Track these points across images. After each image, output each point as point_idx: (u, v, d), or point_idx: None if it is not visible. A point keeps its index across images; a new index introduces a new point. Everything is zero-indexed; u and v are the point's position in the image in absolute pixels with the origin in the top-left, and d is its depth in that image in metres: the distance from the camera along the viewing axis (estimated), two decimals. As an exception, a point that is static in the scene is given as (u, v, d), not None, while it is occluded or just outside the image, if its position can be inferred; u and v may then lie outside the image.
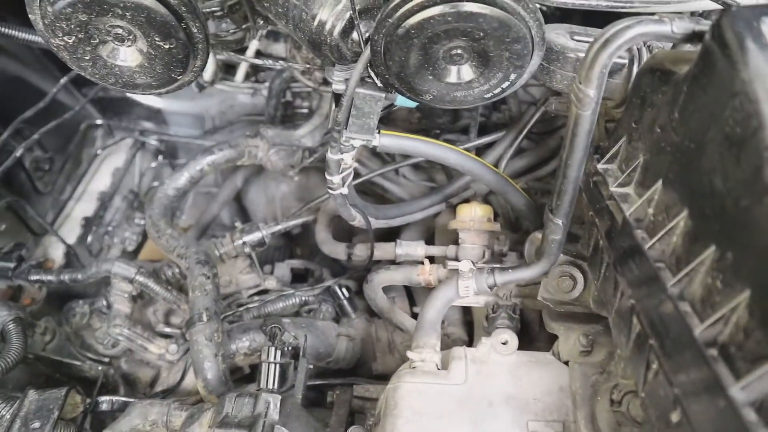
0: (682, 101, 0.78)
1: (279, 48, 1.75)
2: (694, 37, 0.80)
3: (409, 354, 1.06)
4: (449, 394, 0.98)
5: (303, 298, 1.64)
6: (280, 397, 1.11)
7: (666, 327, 0.73)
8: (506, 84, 0.97)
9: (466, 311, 1.63)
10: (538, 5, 0.93)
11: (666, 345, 0.73)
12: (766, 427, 0.55)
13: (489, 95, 0.99)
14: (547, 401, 0.98)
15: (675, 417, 0.72)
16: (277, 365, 1.17)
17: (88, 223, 1.88)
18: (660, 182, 0.82)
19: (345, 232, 1.96)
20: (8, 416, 1.14)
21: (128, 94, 1.99)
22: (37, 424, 1.13)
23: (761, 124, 0.61)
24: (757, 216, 0.60)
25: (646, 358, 0.81)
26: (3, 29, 1.50)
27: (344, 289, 1.62)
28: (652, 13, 0.86)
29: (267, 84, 1.86)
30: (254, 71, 1.88)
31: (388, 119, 1.82)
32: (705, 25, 0.79)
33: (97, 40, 0.93)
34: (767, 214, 0.59)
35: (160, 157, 2.12)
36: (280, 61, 1.50)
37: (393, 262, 1.51)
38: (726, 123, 0.67)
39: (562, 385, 1.00)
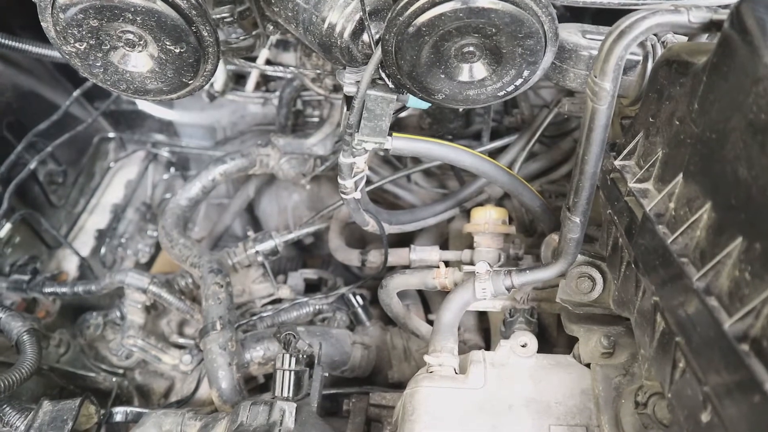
0: (701, 92, 0.76)
1: (288, 57, 1.75)
2: (711, 26, 0.78)
3: (427, 358, 1.04)
4: (468, 398, 0.96)
5: (317, 307, 1.62)
6: (295, 404, 1.09)
7: (693, 323, 0.71)
8: (519, 81, 0.95)
9: (483, 318, 1.61)
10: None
11: (693, 342, 0.71)
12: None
13: (502, 93, 0.97)
14: (568, 404, 0.95)
15: (705, 417, 0.69)
16: (292, 373, 1.15)
17: (102, 236, 1.89)
18: (680, 175, 0.80)
19: (357, 241, 1.95)
20: (23, 427, 1.14)
21: (140, 107, 2.00)
22: (51, 436, 1.12)
23: (788, 109, 0.59)
24: (786, 203, 0.58)
25: (672, 357, 0.78)
26: (16, 44, 1.52)
27: (358, 297, 1.61)
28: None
29: (277, 93, 1.86)
30: (264, 81, 1.89)
31: (399, 125, 1.82)
32: (723, 14, 0.77)
33: (108, 46, 0.93)
34: (797, 201, 0.57)
35: (172, 169, 2.12)
36: (291, 68, 1.50)
37: (407, 268, 1.49)
38: (750, 110, 0.65)
39: (584, 388, 0.98)
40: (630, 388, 0.93)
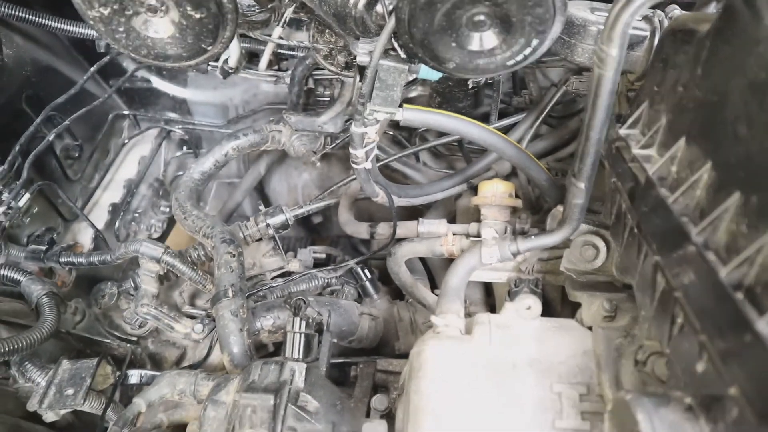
0: (705, 57, 0.79)
1: (302, 36, 1.77)
2: (716, -7, 0.80)
3: (433, 319, 1.07)
4: (473, 357, 0.99)
5: (326, 280, 1.66)
6: (305, 365, 1.13)
7: (692, 277, 0.74)
8: (528, 50, 0.98)
9: (489, 292, 1.65)
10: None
11: (691, 294, 0.74)
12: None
13: (511, 62, 1.00)
14: (570, 364, 0.99)
15: (700, 366, 0.72)
16: (302, 335, 1.19)
17: (116, 210, 1.93)
18: (683, 139, 0.83)
19: (366, 219, 1.98)
20: (44, 383, 1.18)
21: (153, 85, 2.04)
22: (70, 391, 1.17)
23: (785, 65, 0.62)
24: (782, 155, 0.61)
25: (671, 313, 0.81)
26: (34, 17, 1.55)
27: (366, 271, 1.64)
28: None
29: (289, 72, 1.89)
30: (277, 60, 1.91)
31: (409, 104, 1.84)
32: (727, -18, 0.79)
33: (131, 12, 0.96)
34: (792, 152, 0.59)
35: (185, 147, 2.16)
36: (304, 42, 1.53)
37: (415, 242, 1.52)
38: (750, 70, 0.68)
39: (586, 349, 1.01)
40: (630, 348, 0.96)
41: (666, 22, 1.12)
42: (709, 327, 0.69)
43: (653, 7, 1.12)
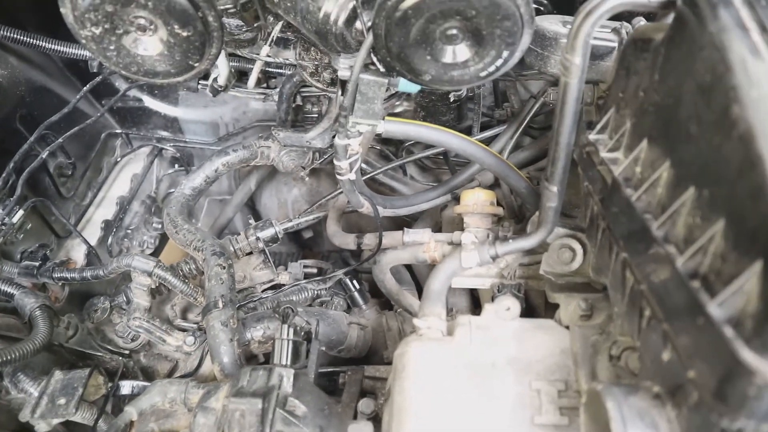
0: (660, 63, 0.84)
1: (288, 54, 1.83)
2: (669, 4, 0.86)
3: (415, 321, 1.10)
4: (454, 358, 1.02)
5: (315, 292, 1.69)
6: (293, 371, 1.16)
7: (654, 270, 0.78)
8: (500, 62, 1.03)
9: (476, 303, 1.68)
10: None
11: (655, 287, 0.78)
12: (744, 342, 0.59)
13: (484, 74, 1.05)
14: (548, 362, 1.02)
15: (666, 355, 0.76)
16: (290, 342, 1.22)
17: (108, 226, 1.96)
18: (645, 141, 0.87)
19: (355, 232, 2.02)
20: (36, 393, 1.20)
21: (145, 104, 2.09)
22: (62, 401, 1.19)
23: (727, 68, 0.67)
24: (726, 150, 0.66)
25: (639, 307, 0.85)
26: (28, 39, 1.61)
27: (355, 281, 1.68)
28: None
29: (278, 90, 1.94)
30: (265, 78, 1.97)
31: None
32: (679, -7, 0.85)
33: (122, 31, 1.01)
34: (734, 147, 0.64)
35: (176, 165, 2.20)
36: (291, 60, 1.58)
37: (401, 251, 1.55)
38: (698, 73, 0.73)
39: (564, 348, 1.04)
40: (606, 345, 0.99)
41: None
42: (670, 316, 0.73)
43: (619, 19, 1.18)
